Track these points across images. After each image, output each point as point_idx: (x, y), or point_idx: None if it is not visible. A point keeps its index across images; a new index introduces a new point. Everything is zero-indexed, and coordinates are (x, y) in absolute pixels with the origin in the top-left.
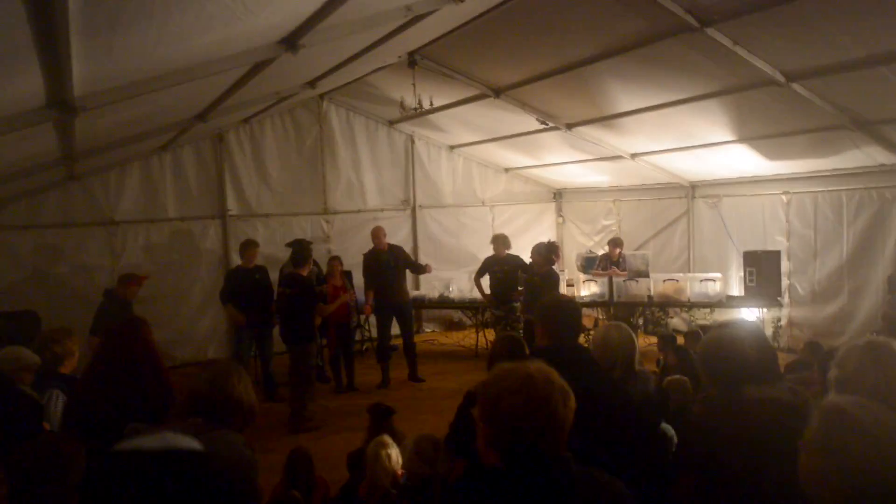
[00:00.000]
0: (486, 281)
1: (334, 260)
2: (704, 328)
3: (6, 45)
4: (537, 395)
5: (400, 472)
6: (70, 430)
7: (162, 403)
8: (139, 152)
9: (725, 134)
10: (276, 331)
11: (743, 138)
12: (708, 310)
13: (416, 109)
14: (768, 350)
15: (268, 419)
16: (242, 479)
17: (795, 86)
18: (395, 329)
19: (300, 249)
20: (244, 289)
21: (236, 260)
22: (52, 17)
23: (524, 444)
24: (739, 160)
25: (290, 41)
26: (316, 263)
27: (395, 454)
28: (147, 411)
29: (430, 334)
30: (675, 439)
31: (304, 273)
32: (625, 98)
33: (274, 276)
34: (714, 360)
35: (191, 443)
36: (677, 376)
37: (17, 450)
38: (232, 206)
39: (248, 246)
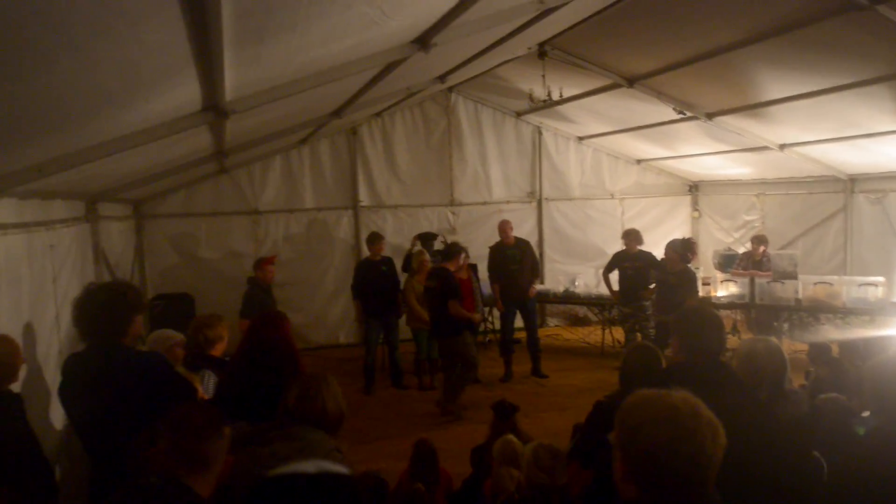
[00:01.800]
0: (614, 277)
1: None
2: (867, 340)
3: (171, 59)
4: (683, 428)
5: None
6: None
7: None
8: (281, 147)
9: (894, 122)
10: (402, 320)
11: None
12: (867, 317)
13: (545, 101)
14: None
15: (395, 406)
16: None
17: None
18: (519, 322)
19: (449, 245)
20: (371, 280)
21: (366, 250)
22: (209, 32)
23: (664, 480)
24: None
25: (423, 40)
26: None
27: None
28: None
29: (554, 329)
30: (826, 468)
31: (452, 268)
32: (775, 85)
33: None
34: (884, 386)
35: (341, 468)
36: (833, 395)
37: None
38: (363, 197)
39: (375, 239)
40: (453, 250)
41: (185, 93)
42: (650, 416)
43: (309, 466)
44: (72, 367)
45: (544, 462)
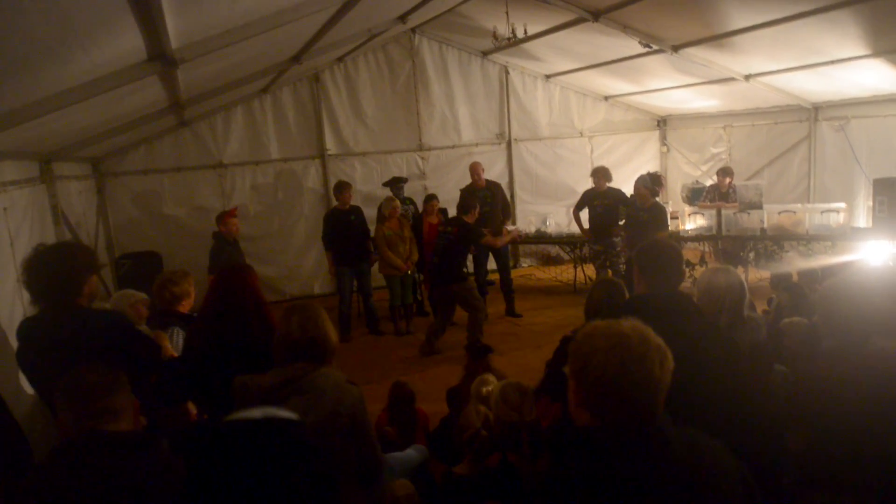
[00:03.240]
0: (584, 215)
1: (431, 198)
2: (825, 266)
3: (103, 5)
4: (630, 354)
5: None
6: (188, 364)
7: (266, 343)
8: (241, 96)
9: (857, 48)
10: (374, 268)
11: (878, 52)
12: (828, 243)
13: (509, 39)
14: None
15: (372, 352)
16: (351, 414)
17: None
18: (492, 264)
19: (464, 197)
20: (340, 230)
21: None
22: None
23: (615, 405)
24: (872, 77)
25: None
26: (412, 202)
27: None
28: (254, 350)
29: (527, 269)
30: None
31: (470, 220)
32: (739, 14)
33: (370, 213)
34: (836, 308)
35: (289, 414)
36: (796, 319)
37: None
38: (330, 145)
39: (342, 188)
40: (470, 203)
41: (127, 41)
42: (601, 345)
43: (255, 412)
44: (27, 332)
45: (512, 399)
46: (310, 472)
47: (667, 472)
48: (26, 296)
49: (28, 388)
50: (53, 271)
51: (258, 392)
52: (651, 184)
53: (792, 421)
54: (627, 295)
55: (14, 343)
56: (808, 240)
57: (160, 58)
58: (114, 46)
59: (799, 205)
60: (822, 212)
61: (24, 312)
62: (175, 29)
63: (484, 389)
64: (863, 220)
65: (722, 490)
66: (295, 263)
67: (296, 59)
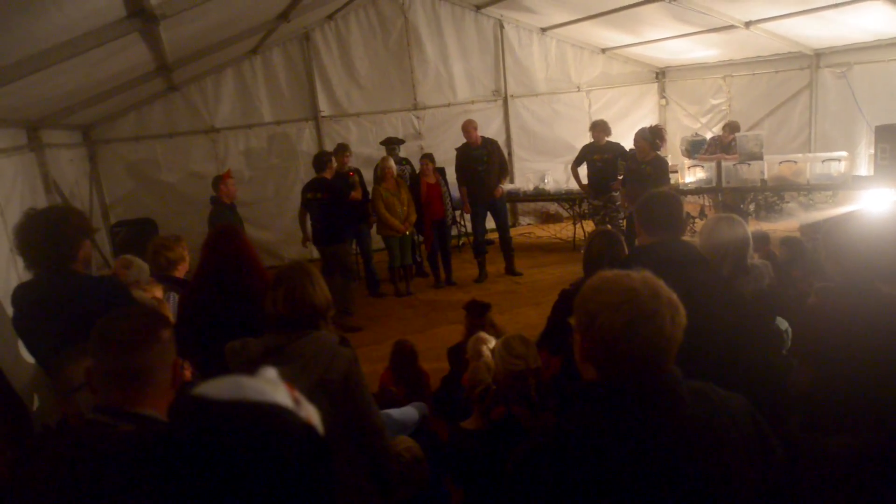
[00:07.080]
0: (583, 170)
1: (425, 158)
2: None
3: None
4: (640, 312)
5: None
6: (182, 330)
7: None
8: (231, 58)
9: None
10: (373, 230)
11: None
12: (829, 192)
13: None
14: None
15: (373, 313)
16: (343, 381)
17: None
18: (491, 223)
19: (317, 155)
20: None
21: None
22: None
23: (621, 362)
24: (876, 20)
25: None
26: (408, 162)
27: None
28: (250, 310)
29: (526, 227)
30: (790, 332)
31: (329, 176)
32: None
33: (367, 175)
34: (845, 248)
35: (267, 394)
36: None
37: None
38: (323, 106)
39: (340, 151)
40: (323, 161)
41: None
42: (608, 301)
43: (225, 391)
44: (22, 297)
45: (517, 349)
46: (301, 457)
47: (678, 427)
48: (22, 264)
49: (27, 357)
50: (45, 235)
51: (247, 360)
52: (651, 137)
53: (797, 357)
54: (626, 249)
55: (10, 311)
56: (808, 190)
57: (140, 14)
58: (89, 1)
59: (800, 154)
60: (823, 161)
61: (20, 280)
62: None
63: (484, 347)
64: (864, 168)
65: (735, 443)
66: (293, 227)
67: (284, 16)
